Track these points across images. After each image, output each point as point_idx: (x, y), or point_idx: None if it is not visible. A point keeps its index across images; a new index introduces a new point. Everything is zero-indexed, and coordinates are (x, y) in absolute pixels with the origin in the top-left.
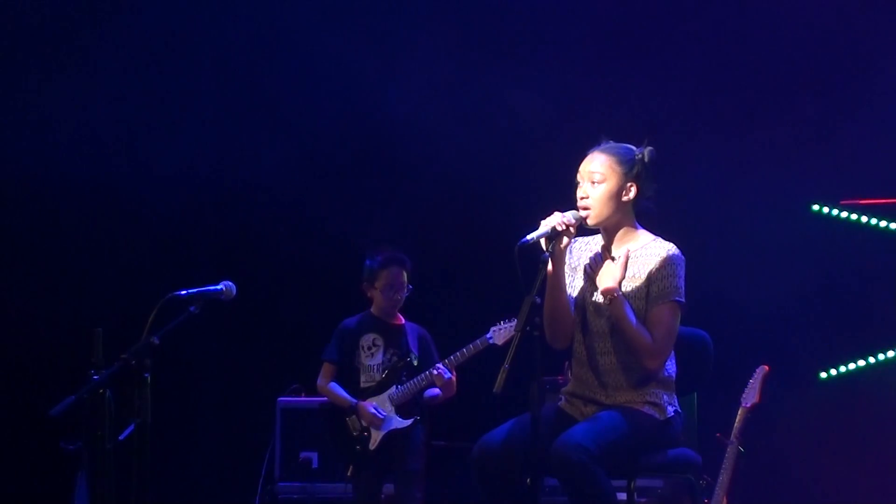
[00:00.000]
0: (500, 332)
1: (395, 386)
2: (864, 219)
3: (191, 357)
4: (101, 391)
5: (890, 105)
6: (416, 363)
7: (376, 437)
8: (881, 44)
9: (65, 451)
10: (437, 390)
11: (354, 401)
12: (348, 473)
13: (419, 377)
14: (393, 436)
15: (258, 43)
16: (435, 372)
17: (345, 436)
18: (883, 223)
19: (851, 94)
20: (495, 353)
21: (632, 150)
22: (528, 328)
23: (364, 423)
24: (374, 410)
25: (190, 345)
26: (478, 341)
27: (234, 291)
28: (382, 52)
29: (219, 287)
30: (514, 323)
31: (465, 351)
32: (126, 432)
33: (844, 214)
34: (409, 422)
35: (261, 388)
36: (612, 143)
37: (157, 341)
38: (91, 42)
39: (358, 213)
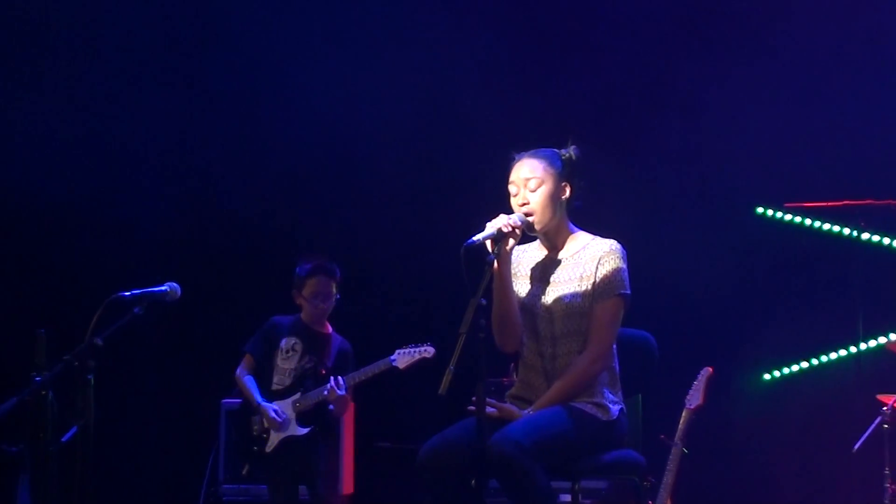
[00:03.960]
0: (404, 357)
1: (299, 392)
2: (808, 222)
3: (135, 358)
4: (43, 393)
5: (833, 109)
6: (324, 373)
7: (274, 440)
8: (825, 50)
9: (7, 454)
10: (332, 406)
11: (260, 400)
12: (244, 472)
13: (321, 389)
14: (290, 442)
15: (204, 44)
16: (328, 386)
17: (246, 434)
18: (826, 226)
19: (795, 98)
20: (441, 355)
21: (556, 151)
22: (473, 330)
23: (265, 425)
24: (274, 414)
25: (134, 346)
26: (380, 362)
27: (179, 292)
28: (326, 60)
29: (163, 288)
30: (418, 349)
31: (367, 371)
32: (69, 434)
33: (789, 217)
34: (305, 430)
35: (205, 389)
36: (535, 149)
37: (100, 342)
38: (33, 42)
39: (303, 217)
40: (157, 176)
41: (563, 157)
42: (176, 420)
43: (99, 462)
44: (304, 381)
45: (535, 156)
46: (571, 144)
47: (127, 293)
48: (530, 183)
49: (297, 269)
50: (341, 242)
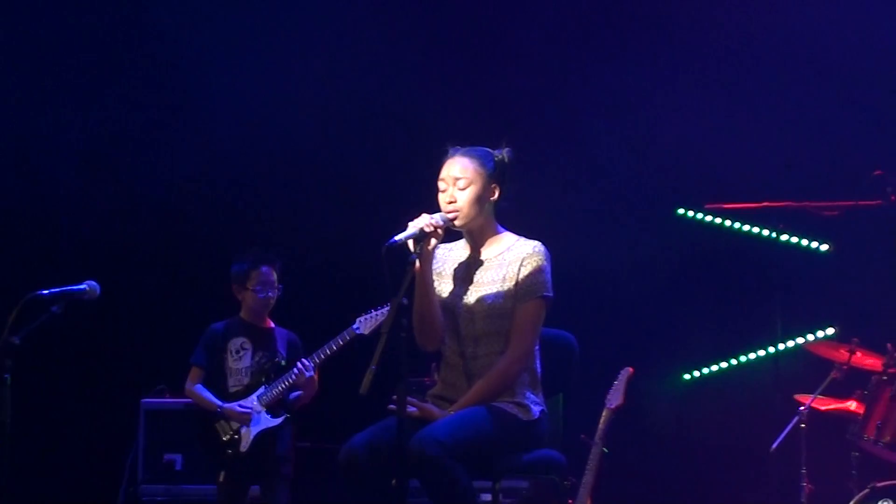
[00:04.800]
0: (368, 322)
1: (263, 387)
2: (727, 223)
3: (53, 357)
4: None
5: (753, 111)
6: (284, 363)
7: (247, 438)
8: (746, 52)
9: None
10: (298, 392)
11: (220, 403)
12: (220, 479)
13: (286, 376)
14: (265, 436)
15: (128, 38)
16: (296, 370)
17: (215, 441)
18: (746, 227)
19: (716, 101)
20: (362, 354)
21: (490, 151)
22: (395, 329)
23: (234, 426)
24: (240, 408)
25: (52, 345)
26: (345, 333)
27: (98, 291)
28: (255, 54)
29: (82, 287)
30: (380, 311)
31: (333, 345)
32: None
33: (709, 218)
34: (279, 420)
35: (124, 388)
36: (469, 147)
37: (17, 341)
38: None
39: (225, 215)
40: (77, 174)
41: (496, 159)
42: (95, 419)
43: (15, 461)
44: (266, 374)
45: (467, 154)
46: (506, 146)
47: (45, 292)
48: (459, 182)
49: (237, 264)
50: (261, 240)
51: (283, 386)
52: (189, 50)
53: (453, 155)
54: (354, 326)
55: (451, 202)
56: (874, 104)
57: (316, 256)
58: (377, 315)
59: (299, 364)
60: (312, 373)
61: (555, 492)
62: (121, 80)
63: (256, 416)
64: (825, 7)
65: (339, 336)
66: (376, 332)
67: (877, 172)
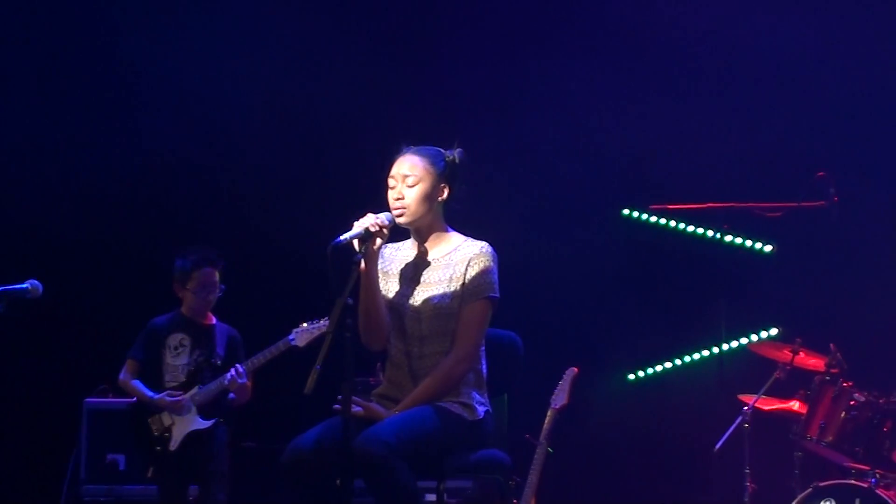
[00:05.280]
0: (303, 334)
1: (197, 387)
2: (672, 223)
3: None
4: None
5: (697, 112)
6: (219, 363)
7: (177, 437)
8: (690, 54)
9: None
10: (233, 395)
11: (153, 395)
12: (148, 475)
13: (221, 378)
14: (194, 437)
15: (71, 37)
16: (229, 375)
17: (146, 436)
18: (690, 228)
19: (660, 102)
20: (307, 353)
21: (441, 151)
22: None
23: (165, 424)
24: (171, 399)
25: None
26: (280, 343)
27: (41, 290)
28: (201, 53)
29: (24, 286)
30: (317, 325)
31: (267, 353)
32: None
33: (653, 219)
34: (209, 423)
35: (67, 388)
36: (421, 146)
37: None
38: None
39: (168, 213)
40: (18, 170)
41: (447, 159)
42: (37, 419)
43: None
44: (200, 374)
45: (418, 153)
46: (458, 147)
47: None
48: (408, 179)
49: (179, 262)
50: (205, 238)
51: (219, 387)
52: (130, 46)
53: (404, 153)
54: (290, 337)
55: (398, 198)
56: (817, 106)
57: (261, 254)
58: (313, 328)
59: (232, 371)
60: (245, 380)
61: (499, 492)
62: (61, 77)
63: (189, 415)
64: (767, 11)
65: (274, 346)
66: (311, 345)
67: (819, 174)
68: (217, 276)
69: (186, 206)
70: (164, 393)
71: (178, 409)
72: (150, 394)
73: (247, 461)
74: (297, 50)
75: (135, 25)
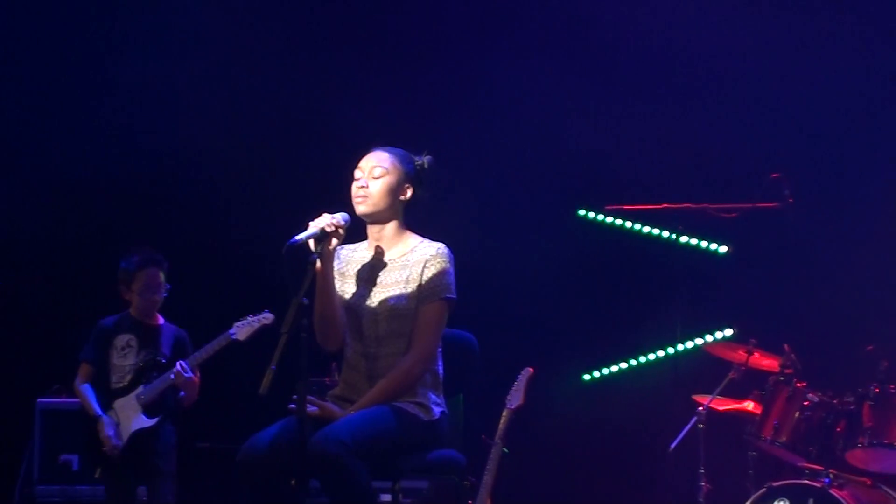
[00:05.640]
0: (243, 328)
1: (142, 385)
2: (627, 224)
3: None
4: None
5: (653, 113)
6: (165, 363)
7: (124, 436)
8: (644, 55)
9: None
10: (183, 392)
11: (98, 413)
12: (96, 475)
13: (165, 376)
14: (140, 436)
15: (19, 29)
16: (174, 370)
17: (94, 438)
18: (646, 228)
19: (615, 103)
20: (262, 353)
21: (411, 155)
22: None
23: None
24: (107, 431)
25: None
26: (220, 338)
27: None
28: (154, 51)
29: None
30: (257, 318)
31: (209, 349)
32: None
33: (609, 220)
34: (153, 421)
35: (20, 388)
36: (392, 146)
37: None
38: None
39: (120, 212)
40: None
41: (417, 163)
42: None
43: None
44: (145, 374)
45: (389, 150)
46: (427, 155)
47: None
48: (375, 171)
49: (124, 264)
50: (158, 237)
51: (164, 385)
52: (81, 43)
53: (375, 150)
54: (230, 332)
55: (362, 187)
56: (772, 108)
57: (217, 254)
58: (253, 322)
59: (178, 366)
60: (192, 374)
61: (455, 492)
62: (11, 76)
63: (134, 415)
64: (722, 13)
65: (215, 341)
66: (252, 338)
67: (774, 175)
68: (162, 276)
69: (139, 207)
70: (109, 419)
71: (106, 441)
72: (98, 411)
73: (201, 461)
74: (251, 48)
75: (91, 23)
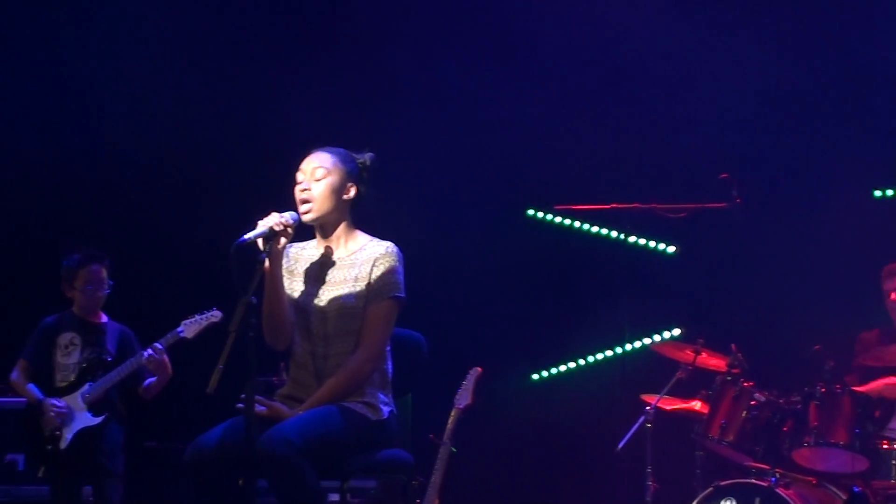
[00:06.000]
0: (191, 326)
1: (88, 384)
2: (576, 224)
3: None
4: None
5: (601, 114)
6: (110, 361)
7: (67, 435)
8: (594, 56)
9: None
10: (152, 378)
11: (41, 397)
12: (39, 474)
13: (113, 373)
14: (84, 435)
15: None
16: (146, 354)
17: (37, 436)
18: (594, 228)
19: (565, 103)
20: (210, 352)
21: (352, 154)
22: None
23: (57, 423)
24: (57, 406)
25: None
26: (168, 335)
27: None
28: (86, 48)
29: None
30: (205, 316)
31: (159, 345)
32: None
33: (558, 219)
34: (98, 419)
35: None
36: (333, 147)
37: None
38: None
39: (61, 211)
40: None
41: (358, 162)
42: None
43: None
44: (91, 371)
45: (329, 151)
46: (369, 152)
47: None
48: (317, 172)
49: (66, 262)
50: (101, 235)
51: (110, 382)
52: (20, 43)
53: (315, 151)
54: (178, 330)
55: (305, 190)
56: (721, 109)
57: (165, 252)
58: (201, 319)
59: (149, 349)
60: (165, 356)
61: (403, 491)
62: None
63: (79, 413)
64: (669, 15)
65: (163, 338)
66: (200, 336)
67: (722, 175)
68: (104, 273)
69: (85, 205)
70: (54, 399)
71: (61, 417)
72: (40, 395)
73: (149, 461)
74: (196, 47)
75: (26, 20)
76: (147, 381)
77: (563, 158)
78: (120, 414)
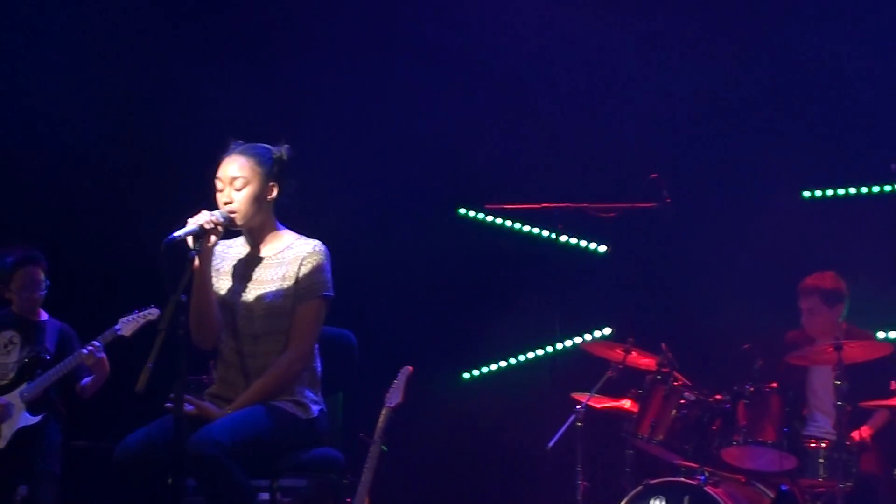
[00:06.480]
0: (129, 324)
1: (26, 383)
2: (508, 223)
3: None
4: None
5: (534, 113)
6: (49, 359)
7: (7, 434)
8: (528, 56)
9: None
10: (90, 377)
11: None
12: None
13: (52, 371)
14: (23, 434)
15: None
16: (85, 352)
17: None
18: (525, 227)
19: (495, 102)
20: (139, 351)
21: (269, 149)
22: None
23: None
24: None
25: None
26: (106, 333)
27: None
28: (19, 42)
29: None
30: (142, 313)
31: (97, 343)
32: None
33: (490, 218)
34: (37, 418)
35: None
36: (248, 145)
37: None
38: None
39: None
40: None
41: (275, 156)
42: None
43: None
44: (29, 371)
45: (244, 153)
46: (285, 143)
47: None
48: (236, 182)
49: (0, 263)
50: (37, 234)
51: (49, 380)
52: None
53: (231, 153)
54: (116, 327)
55: (227, 202)
56: (651, 109)
57: (103, 250)
58: (139, 317)
59: (87, 347)
60: (104, 353)
61: (333, 490)
62: None
63: (18, 412)
64: (599, 14)
65: (101, 336)
66: (138, 333)
67: (652, 176)
68: (41, 273)
69: (16, 202)
70: None
71: (2, 415)
72: None
73: (78, 460)
74: (124, 43)
75: None
76: (85, 380)
77: (494, 158)
78: (59, 413)
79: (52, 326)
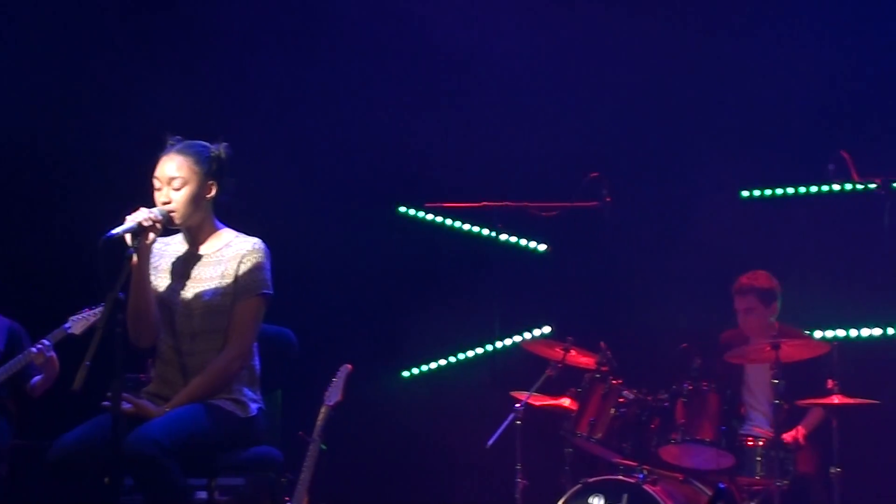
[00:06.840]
0: (79, 322)
1: None
2: (447, 221)
3: None
4: None
5: (474, 111)
6: None
7: None
8: (464, 56)
9: None
10: (39, 375)
11: None
12: None
13: (1, 370)
14: None
15: None
16: (35, 350)
17: None
18: (465, 226)
19: (436, 101)
20: (76, 349)
21: (207, 147)
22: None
23: None
24: None
25: None
26: (56, 332)
27: None
28: None
29: None
30: (93, 311)
31: (46, 342)
32: None
33: (429, 217)
34: None
35: None
36: (185, 143)
37: None
38: None
39: None
40: None
41: (213, 154)
42: None
43: None
44: None
45: (182, 152)
46: (223, 142)
47: None
48: (174, 182)
49: None
50: None
51: None
52: None
53: (168, 152)
54: (66, 325)
55: (166, 203)
56: (590, 108)
57: (37, 248)
58: (89, 315)
59: (36, 346)
60: (52, 353)
61: (271, 489)
62: None
63: None
64: (534, 14)
65: (51, 334)
66: (88, 331)
67: (593, 175)
68: None
69: None
70: None
71: None
72: None
73: (16, 460)
74: (60, 38)
75: None
76: (34, 379)
77: (434, 156)
78: (9, 412)
79: (2, 325)
